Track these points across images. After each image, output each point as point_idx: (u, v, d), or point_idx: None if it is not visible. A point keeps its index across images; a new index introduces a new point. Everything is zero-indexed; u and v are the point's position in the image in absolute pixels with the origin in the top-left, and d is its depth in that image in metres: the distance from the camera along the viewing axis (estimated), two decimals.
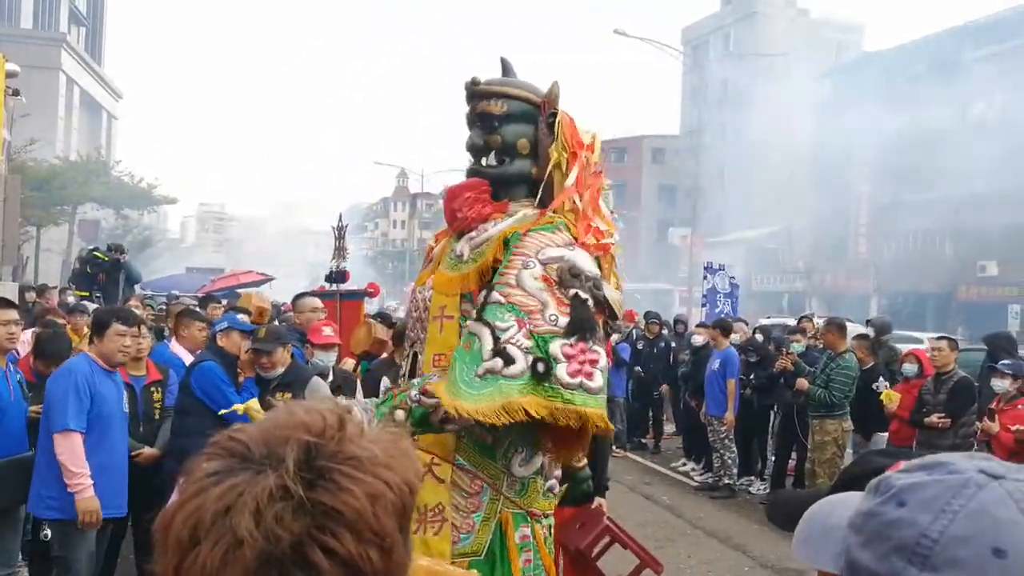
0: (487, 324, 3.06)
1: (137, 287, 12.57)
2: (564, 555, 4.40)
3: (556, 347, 3.01)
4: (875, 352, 9.07)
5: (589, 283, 3.14)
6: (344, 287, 8.13)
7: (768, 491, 9.76)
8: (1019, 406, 6.49)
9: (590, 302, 3.12)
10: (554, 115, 3.38)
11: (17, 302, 6.70)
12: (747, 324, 12.65)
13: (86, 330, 6.11)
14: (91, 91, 49.35)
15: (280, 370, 5.06)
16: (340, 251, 8.26)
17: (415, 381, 3.23)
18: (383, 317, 9.23)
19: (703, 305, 16.46)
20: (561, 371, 2.98)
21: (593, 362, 3.03)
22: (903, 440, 8.09)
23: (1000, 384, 6.70)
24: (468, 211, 3.40)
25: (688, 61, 37.69)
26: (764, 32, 45.93)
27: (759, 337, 11.38)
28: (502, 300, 3.08)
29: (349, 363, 6.56)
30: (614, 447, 10.69)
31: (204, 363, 5.19)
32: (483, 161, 3.48)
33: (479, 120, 3.46)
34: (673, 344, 13.04)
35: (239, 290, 13.80)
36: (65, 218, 36.44)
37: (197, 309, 8.37)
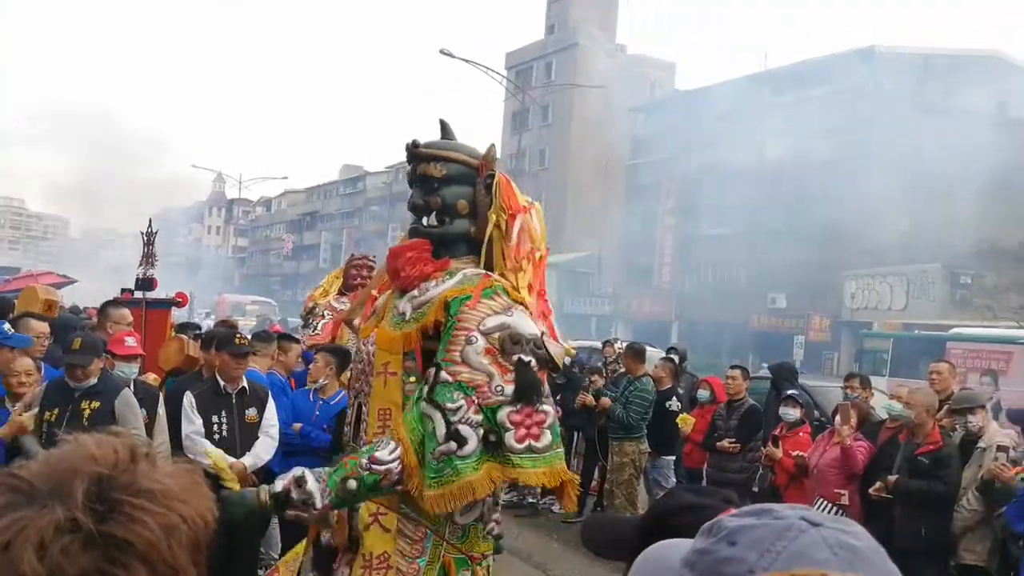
0: (438, 407, 3.23)
1: None
2: None
3: (504, 416, 3.20)
4: (676, 376, 9.57)
5: (530, 344, 3.30)
6: (151, 295, 7.74)
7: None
8: (800, 433, 7.00)
9: (533, 363, 3.29)
10: (492, 176, 3.54)
11: None
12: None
13: None
14: None
15: (92, 380, 4.81)
16: (148, 257, 7.85)
17: (363, 449, 3.33)
18: (190, 328, 8.84)
19: None
20: (510, 438, 3.19)
21: (540, 423, 3.24)
22: (696, 462, 8.55)
23: (790, 413, 7.21)
24: (411, 270, 3.52)
25: (511, 86, 38.50)
26: (584, 63, 47.59)
27: (567, 360, 11.70)
28: (450, 379, 3.24)
29: (151, 376, 6.23)
30: None
31: None
32: (424, 221, 3.61)
33: (420, 181, 3.60)
34: None
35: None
36: None
37: None
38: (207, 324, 18.13)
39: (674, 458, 9.08)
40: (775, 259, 31.15)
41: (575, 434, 10.66)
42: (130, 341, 5.53)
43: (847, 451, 6.33)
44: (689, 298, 37.46)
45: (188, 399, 5.44)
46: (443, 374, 3.27)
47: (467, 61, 30.12)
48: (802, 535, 0.89)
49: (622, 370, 9.45)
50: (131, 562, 0.80)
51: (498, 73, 33.66)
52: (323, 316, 7.86)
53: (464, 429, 3.20)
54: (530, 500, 10.09)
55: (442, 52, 29.27)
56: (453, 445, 3.19)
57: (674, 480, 9.11)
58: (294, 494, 3.08)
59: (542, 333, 3.40)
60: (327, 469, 3.25)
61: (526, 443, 3.22)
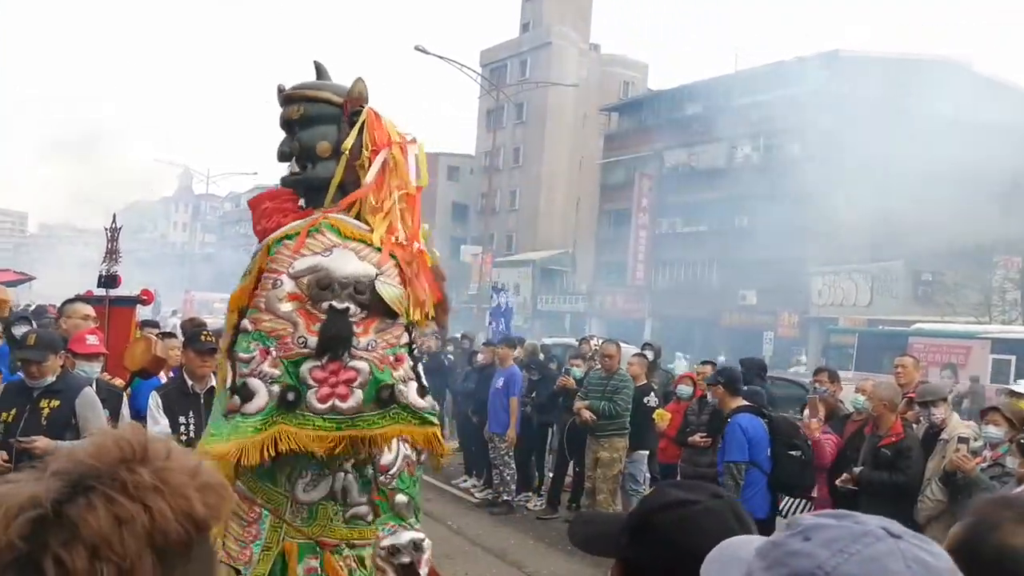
0: (232, 356, 2.90)
1: None
2: None
3: (305, 371, 2.84)
4: (651, 372, 9.63)
5: (347, 289, 2.92)
6: (114, 292, 7.63)
7: (544, 507, 10.08)
8: None
9: (352, 309, 2.91)
10: (358, 113, 3.19)
11: None
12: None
13: None
14: None
15: (50, 378, 4.70)
16: (112, 253, 7.74)
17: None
18: (152, 325, 8.75)
19: (489, 323, 16.81)
20: (311, 397, 2.82)
21: (348, 381, 2.86)
22: (671, 457, 8.60)
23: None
24: (267, 223, 3.21)
25: (485, 83, 38.47)
26: (558, 62, 47.71)
27: (541, 356, 11.77)
28: (250, 328, 2.91)
29: (118, 381, 6.11)
30: None
31: None
32: (288, 169, 3.30)
33: (284, 127, 3.30)
34: (451, 358, 13.26)
35: None
36: None
37: None
38: (173, 322, 17.97)
39: (647, 453, 9.12)
40: (745, 257, 31.45)
41: (550, 431, 10.69)
42: (91, 339, 5.41)
43: (816, 444, 6.42)
44: (662, 295, 37.67)
45: (154, 399, 5.30)
46: (244, 322, 2.94)
47: (442, 58, 30.04)
48: (879, 543, 0.89)
49: (597, 367, 9.48)
50: (75, 544, 0.85)
51: (473, 70, 33.58)
52: None
53: (253, 383, 2.82)
54: (505, 498, 10.10)
55: (417, 48, 29.17)
56: (237, 400, 2.83)
57: (648, 475, 9.15)
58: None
59: (377, 275, 3.00)
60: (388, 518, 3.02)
61: (329, 403, 2.81)
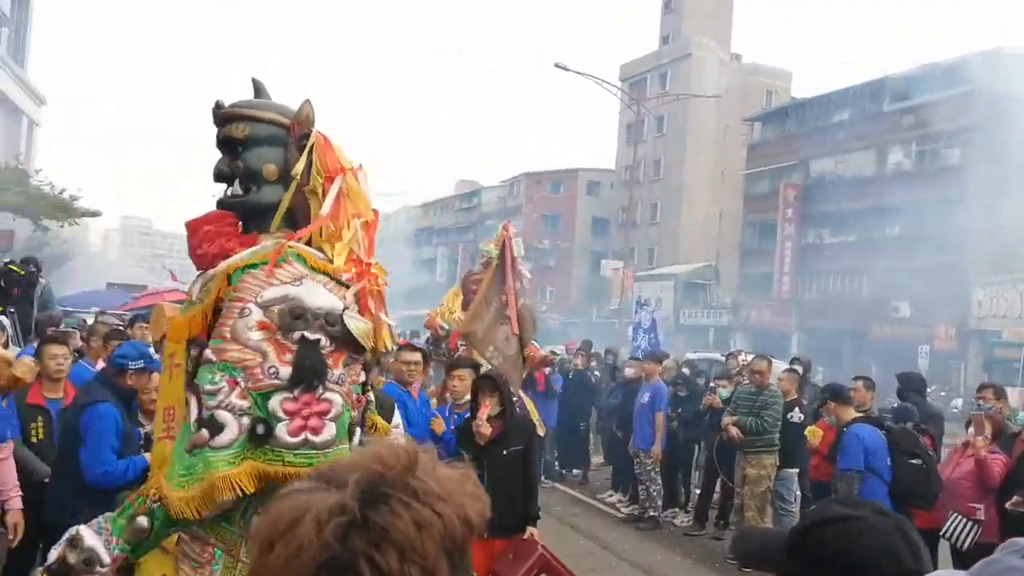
0: (195, 390, 2.78)
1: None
2: None
3: (276, 403, 2.72)
4: (801, 388, 9.42)
5: (319, 320, 2.84)
6: None
7: (692, 523, 10.00)
8: None
9: (323, 342, 2.83)
10: (306, 137, 3.07)
11: None
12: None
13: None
14: (12, 95, 48.21)
15: None
16: None
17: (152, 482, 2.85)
18: None
19: (633, 339, 16.77)
20: (282, 431, 2.70)
21: (321, 414, 2.76)
22: (824, 475, 8.38)
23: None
24: (209, 247, 3.03)
25: (625, 97, 38.43)
26: (699, 73, 47.18)
27: (686, 371, 11.68)
28: (214, 359, 2.77)
29: None
30: (543, 477, 10.83)
31: (100, 405, 4.64)
32: (229, 191, 3.15)
33: (223, 146, 3.14)
34: (597, 374, 13.25)
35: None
36: None
37: (122, 328, 8.32)
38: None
39: (797, 471, 8.91)
40: (897, 267, 30.14)
41: (696, 447, 10.60)
42: None
43: (982, 463, 6.16)
44: (809, 307, 36.50)
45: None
46: (208, 352, 2.80)
47: (581, 74, 30.26)
48: None
49: (746, 382, 9.35)
50: (385, 547, 0.94)
51: (612, 85, 33.64)
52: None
53: (222, 415, 2.69)
54: (651, 514, 10.08)
55: (557, 66, 29.51)
56: (205, 434, 2.69)
57: (798, 493, 8.95)
58: (71, 558, 2.57)
59: (345, 308, 2.92)
60: (109, 515, 2.74)
61: (301, 436, 2.71)
